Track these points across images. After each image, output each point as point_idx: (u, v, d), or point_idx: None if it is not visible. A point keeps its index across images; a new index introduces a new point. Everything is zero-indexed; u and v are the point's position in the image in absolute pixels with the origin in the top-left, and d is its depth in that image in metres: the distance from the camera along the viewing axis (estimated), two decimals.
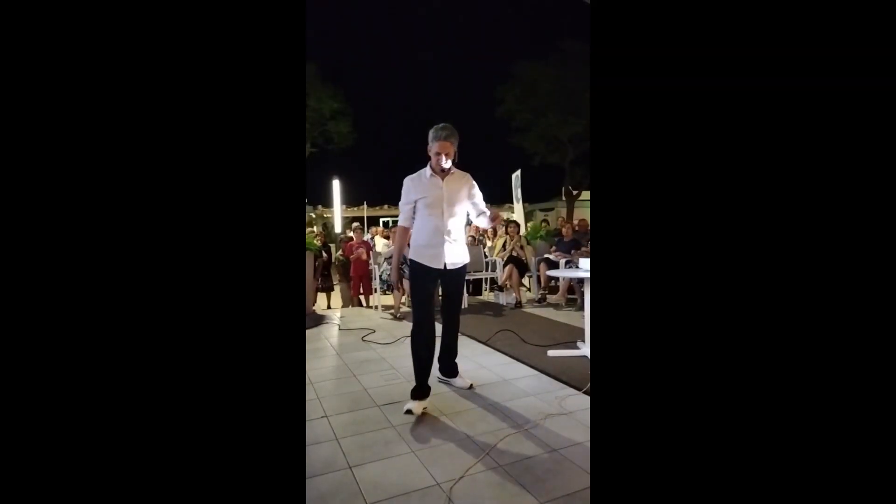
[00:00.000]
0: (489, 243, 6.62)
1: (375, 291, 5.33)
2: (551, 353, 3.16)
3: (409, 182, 2.38)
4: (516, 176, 8.62)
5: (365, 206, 13.75)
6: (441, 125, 2.28)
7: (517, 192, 8.52)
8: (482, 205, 2.48)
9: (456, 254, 2.39)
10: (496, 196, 19.18)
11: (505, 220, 5.74)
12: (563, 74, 14.05)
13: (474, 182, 2.45)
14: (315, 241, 5.65)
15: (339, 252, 5.90)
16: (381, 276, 5.16)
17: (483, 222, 2.51)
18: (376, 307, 5.25)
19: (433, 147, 2.28)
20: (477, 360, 3.16)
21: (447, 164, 2.31)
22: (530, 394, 2.48)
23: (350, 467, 1.77)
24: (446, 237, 2.35)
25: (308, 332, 4.26)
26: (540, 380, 2.71)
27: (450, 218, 2.34)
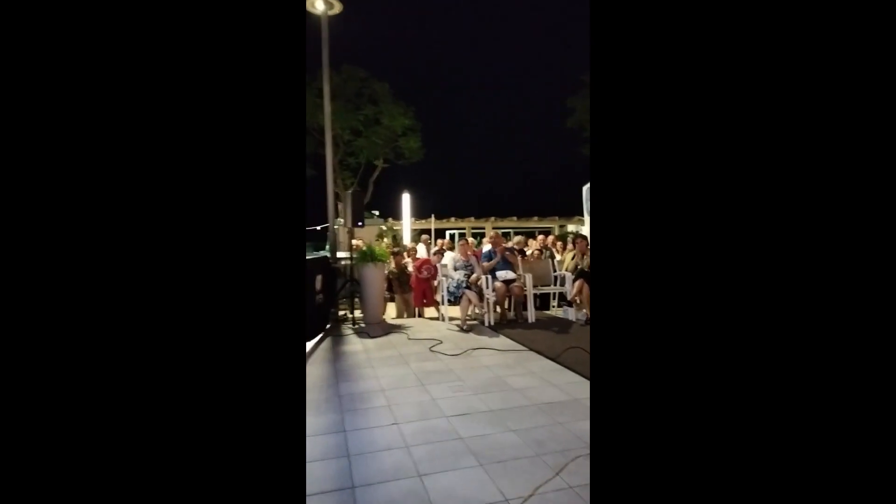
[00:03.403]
0: (558, 257, 6.48)
1: (442, 303, 5.41)
2: None
3: None
4: (587, 188, 8.39)
5: (433, 218, 14.04)
6: None
7: (587, 205, 8.29)
8: None
9: None
10: (566, 208, 18.75)
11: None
12: None
13: None
14: (386, 251, 5.86)
15: (393, 266, 6.05)
16: (448, 287, 5.24)
17: None
18: (443, 318, 5.32)
19: None
20: (545, 377, 3.10)
21: None
22: None
23: (420, 476, 1.81)
24: None
25: (378, 340, 4.42)
26: None
27: None
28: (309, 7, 5.97)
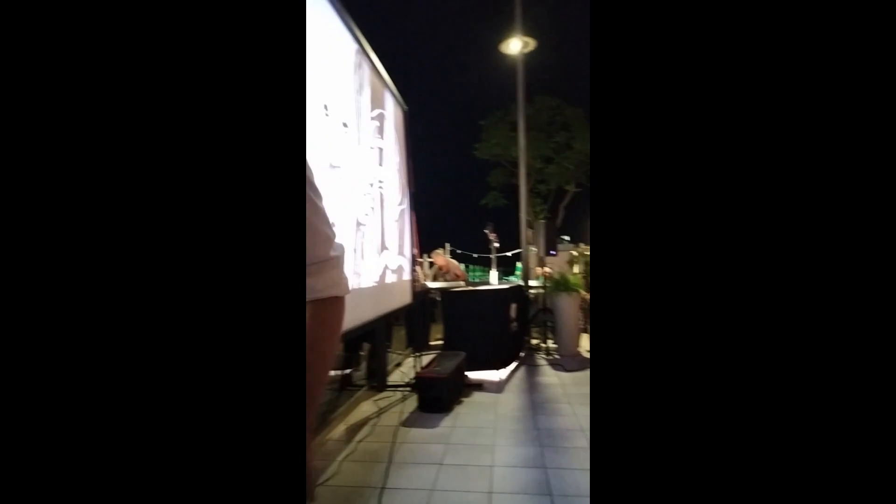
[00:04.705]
0: None
1: None
2: None
3: None
4: None
5: None
6: None
7: None
8: None
9: None
10: None
11: None
12: None
13: None
14: (579, 280, 5.66)
15: (587, 295, 5.71)
16: None
17: None
18: None
19: None
20: None
21: None
22: None
23: None
24: None
25: (574, 374, 4.25)
26: None
27: None
28: (504, 49, 6.37)
